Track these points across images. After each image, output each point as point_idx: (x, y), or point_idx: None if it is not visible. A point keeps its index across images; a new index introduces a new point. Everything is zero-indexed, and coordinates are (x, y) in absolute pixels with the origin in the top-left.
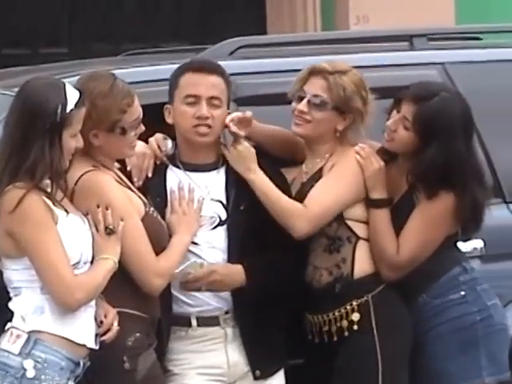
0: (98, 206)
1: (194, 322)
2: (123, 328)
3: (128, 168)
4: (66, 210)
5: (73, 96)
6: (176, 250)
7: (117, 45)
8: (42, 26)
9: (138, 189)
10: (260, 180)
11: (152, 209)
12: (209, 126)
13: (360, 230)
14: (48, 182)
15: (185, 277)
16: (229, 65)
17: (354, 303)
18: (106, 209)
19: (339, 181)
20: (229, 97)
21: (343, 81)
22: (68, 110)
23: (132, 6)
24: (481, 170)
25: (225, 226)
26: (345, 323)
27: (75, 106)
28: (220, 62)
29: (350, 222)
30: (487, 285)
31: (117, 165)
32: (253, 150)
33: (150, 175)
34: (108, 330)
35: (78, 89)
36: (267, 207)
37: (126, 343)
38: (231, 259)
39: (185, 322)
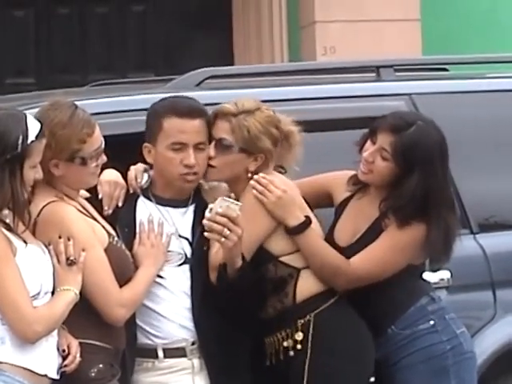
0: (60, 237)
1: (160, 354)
2: (86, 359)
3: (99, 196)
4: (24, 241)
5: (34, 127)
6: (141, 281)
7: (83, 75)
8: (9, 56)
9: (107, 217)
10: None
11: (117, 239)
12: (195, 173)
13: (297, 261)
14: (7, 212)
15: (225, 209)
16: (196, 96)
17: (299, 323)
18: (68, 240)
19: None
20: (208, 135)
21: (248, 121)
22: (29, 142)
23: (98, 37)
24: (453, 199)
25: (189, 264)
26: (290, 342)
27: (36, 137)
28: (187, 93)
29: (284, 258)
30: (454, 314)
31: (86, 193)
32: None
33: (120, 205)
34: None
35: (38, 119)
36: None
37: (89, 374)
38: (194, 297)
39: (151, 353)
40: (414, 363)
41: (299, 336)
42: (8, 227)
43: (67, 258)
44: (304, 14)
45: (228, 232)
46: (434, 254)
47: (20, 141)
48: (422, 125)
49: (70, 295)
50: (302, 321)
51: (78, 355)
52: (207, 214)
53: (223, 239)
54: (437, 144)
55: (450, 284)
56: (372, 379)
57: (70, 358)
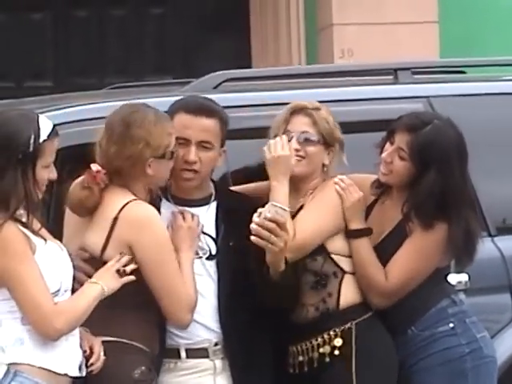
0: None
1: (183, 354)
2: (130, 359)
3: None
4: (43, 238)
5: (46, 127)
6: (188, 271)
7: (101, 78)
8: (26, 59)
9: None
10: (280, 188)
11: None
12: (195, 171)
13: (345, 264)
14: (22, 212)
15: (274, 214)
16: (213, 98)
17: (338, 329)
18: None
19: (318, 211)
20: (223, 137)
21: (324, 114)
22: (41, 141)
23: (116, 40)
24: (473, 199)
25: (215, 261)
26: (327, 348)
27: (48, 136)
28: (204, 96)
29: (335, 257)
30: (476, 317)
31: None
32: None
33: None
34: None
35: (125, 123)
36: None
37: (133, 375)
38: (221, 292)
39: (174, 353)
40: (432, 365)
41: (338, 342)
42: (26, 225)
43: (123, 267)
44: (321, 16)
45: (275, 238)
46: (456, 254)
47: (32, 140)
48: (438, 124)
49: (96, 289)
50: (342, 328)
51: (102, 353)
52: (255, 218)
53: (269, 245)
54: (453, 143)
55: (468, 287)
56: None
57: (94, 356)
